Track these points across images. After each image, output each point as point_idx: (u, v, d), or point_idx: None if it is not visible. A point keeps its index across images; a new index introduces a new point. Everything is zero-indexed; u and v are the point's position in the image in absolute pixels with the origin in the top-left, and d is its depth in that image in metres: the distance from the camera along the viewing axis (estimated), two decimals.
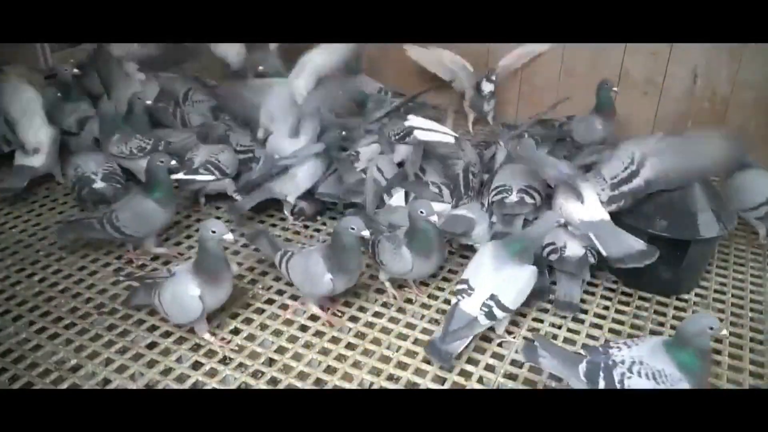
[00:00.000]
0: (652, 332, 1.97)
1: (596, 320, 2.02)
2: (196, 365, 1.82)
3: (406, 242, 1.99)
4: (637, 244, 1.96)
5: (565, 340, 1.93)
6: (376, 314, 2.04)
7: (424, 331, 1.97)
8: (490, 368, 1.84)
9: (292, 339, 1.93)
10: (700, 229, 1.98)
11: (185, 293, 1.81)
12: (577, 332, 1.97)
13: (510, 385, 1.78)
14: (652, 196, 2.03)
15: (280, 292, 2.13)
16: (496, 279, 1.82)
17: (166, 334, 1.93)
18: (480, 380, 1.80)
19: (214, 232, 1.78)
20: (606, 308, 2.08)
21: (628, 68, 3.13)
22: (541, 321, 2.01)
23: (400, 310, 2.06)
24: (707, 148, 2.02)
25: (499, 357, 1.88)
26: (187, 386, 1.75)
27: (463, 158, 2.40)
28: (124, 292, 2.10)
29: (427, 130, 2.30)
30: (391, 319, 2.01)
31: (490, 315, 1.79)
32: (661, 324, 2.00)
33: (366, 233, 1.85)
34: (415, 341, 1.93)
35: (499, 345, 1.91)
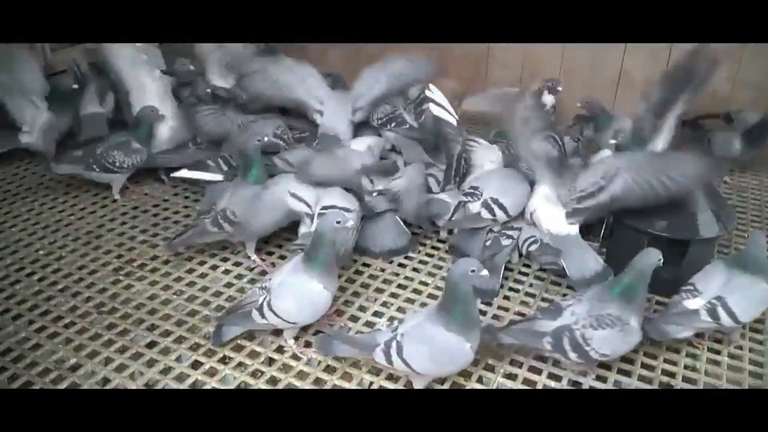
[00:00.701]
0: None
1: None
2: (196, 364, 1.82)
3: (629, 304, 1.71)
4: (596, 264, 2.01)
5: None
6: (376, 314, 2.04)
7: None
8: (489, 368, 1.84)
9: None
10: (699, 229, 1.99)
11: (313, 291, 1.77)
12: None
13: (509, 384, 1.78)
14: None
15: None
16: (725, 286, 1.82)
17: (166, 333, 1.93)
18: (479, 380, 1.80)
19: (338, 222, 1.75)
20: None
21: (628, 68, 3.14)
22: None
23: (400, 309, 2.06)
24: (683, 167, 1.91)
25: (497, 356, 1.88)
26: (186, 385, 1.75)
27: (460, 144, 2.36)
28: (124, 291, 2.11)
29: (440, 106, 2.32)
30: (391, 319, 2.01)
31: (712, 313, 1.78)
32: None
33: (486, 272, 1.59)
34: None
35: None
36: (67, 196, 2.68)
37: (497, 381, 1.79)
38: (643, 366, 1.85)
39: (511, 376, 1.81)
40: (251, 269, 2.24)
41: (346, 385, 1.77)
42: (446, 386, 1.77)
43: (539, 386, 1.78)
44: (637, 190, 1.93)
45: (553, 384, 1.78)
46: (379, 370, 1.80)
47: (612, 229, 2.19)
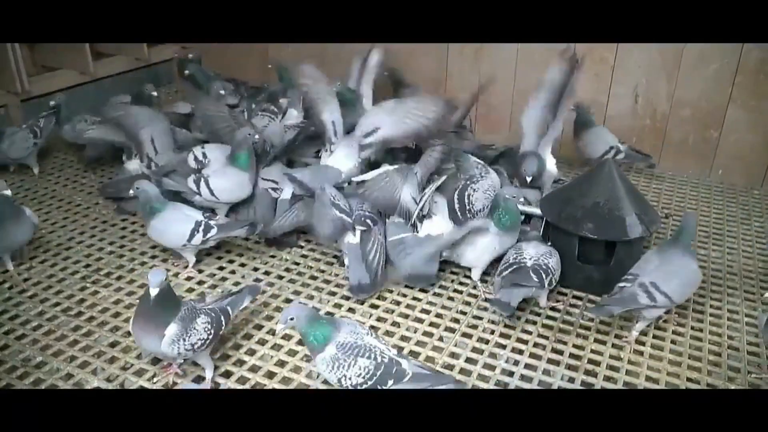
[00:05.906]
0: (582, 326, 2.13)
1: (531, 317, 2.18)
2: (155, 360, 1.94)
3: None
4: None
5: (501, 335, 2.08)
6: (372, 328, 2.12)
7: (419, 343, 2.06)
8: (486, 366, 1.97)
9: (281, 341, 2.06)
10: (627, 231, 2.16)
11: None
12: (513, 327, 2.12)
13: (506, 380, 1.90)
14: (581, 203, 2.22)
15: None
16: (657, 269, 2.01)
17: (128, 334, 2.03)
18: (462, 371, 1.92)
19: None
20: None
21: (576, 90, 3.28)
22: (480, 318, 2.17)
23: (395, 324, 2.16)
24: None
25: (494, 356, 2.01)
26: (144, 379, 1.87)
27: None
28: (90, 297, 2.23)
29: None
30: (387, 333, 2.11)
31: (649, 295, 1.96)
32: (591, 320, 2.15)
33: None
34: (410, 353, 2.01)
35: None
36: (39, 212, 2.78)
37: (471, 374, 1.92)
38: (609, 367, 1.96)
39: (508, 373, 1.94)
40: (213, 275, 2.37)
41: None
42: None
43: (534, 382, 1.90)
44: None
45: (548, 380, 1.91)
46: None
47: (549, 232, 2.34)
